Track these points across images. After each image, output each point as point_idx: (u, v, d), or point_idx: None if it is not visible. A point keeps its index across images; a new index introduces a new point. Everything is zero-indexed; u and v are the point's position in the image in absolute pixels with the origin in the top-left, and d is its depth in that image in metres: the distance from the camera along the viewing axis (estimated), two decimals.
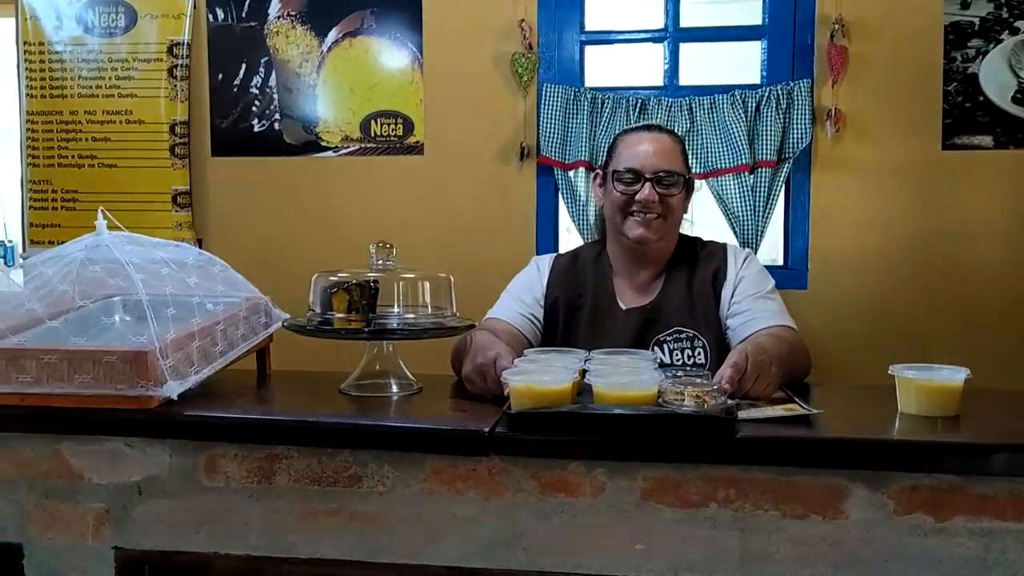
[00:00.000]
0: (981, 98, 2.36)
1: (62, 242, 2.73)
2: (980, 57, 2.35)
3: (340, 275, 1.44)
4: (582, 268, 1.74)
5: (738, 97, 2.41)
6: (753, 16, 2.50)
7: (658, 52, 2.54)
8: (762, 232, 2.45)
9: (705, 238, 1.79)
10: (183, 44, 2.68)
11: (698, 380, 1.27)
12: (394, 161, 2.64)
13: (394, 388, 1.44)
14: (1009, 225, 2.37)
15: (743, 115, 2.41)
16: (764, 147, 2.41)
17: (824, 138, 2.42)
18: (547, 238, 2.58)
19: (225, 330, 1.46)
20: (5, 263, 4.56)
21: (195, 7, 2.68)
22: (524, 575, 1.21)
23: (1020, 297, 2.36)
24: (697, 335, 1.63)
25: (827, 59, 2.38)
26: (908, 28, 2.37)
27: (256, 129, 2.70)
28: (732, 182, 2.44)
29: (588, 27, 2.56)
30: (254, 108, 2.69)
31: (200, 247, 2.37)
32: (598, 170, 1.78)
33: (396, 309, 1.44)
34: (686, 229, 1.79)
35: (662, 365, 1.41)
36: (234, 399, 1.43)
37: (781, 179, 2.43)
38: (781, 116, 2.40)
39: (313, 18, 2.65)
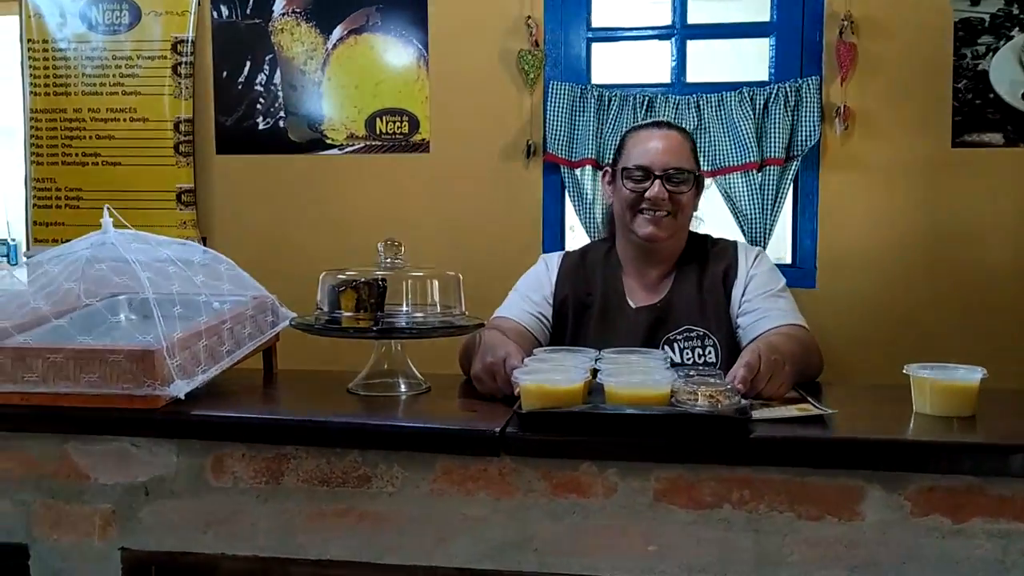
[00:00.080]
0: (991, 95, 2.34)
1: (66, 240, 2.73)
2: (990, 54, 2.34)
3: (348, 273, 1.43)
4: (591, 266, 1.73)
5: (746, 94, 2.40)
6: (761, 13, 2.49)
7: (665, 49, 2.52)
8: (770, 230, 2.43)
9: (714, 236, 1.77)
10: (187, 41, 2.67)
11: (711, 380, 1.25)
12: (399, 159, 2.62)
13: (403, 387, 1.43)
14: (1020, 223, 2.35)
15: (751, 113, 2.40)
16: (772, 145, 2.39)
17: (833, 136, 2.40)
18: (553, 236, 2.57)
19: (232, 329, 1.45)
20: (9, 261, 4.55)
21: (199, 4, 2.67)
22: None
23: None
24: (708, 334, 1.61)
25: (836, 56, 2.37)
26: (918, 25, 2.36)
27: (261, 127, 2.69)
28: (740, 180, 2.42)
29: (595, 24, 2.55)
30: (259, 106, 2.68)
31: (204, 245, 2.36)
32: (607, 167, 1.76)
33: (405, 308, 1.43)
34: (698, 226, 1.77)
35: (673, 365, 1.39)
36: (241, 398, 1.41)
37: (789, 177, 2.42)
38: (789, 113, 2.39)
39: (318, 15, 2.63)
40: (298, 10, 2.64)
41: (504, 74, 2.53)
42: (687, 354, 1.60)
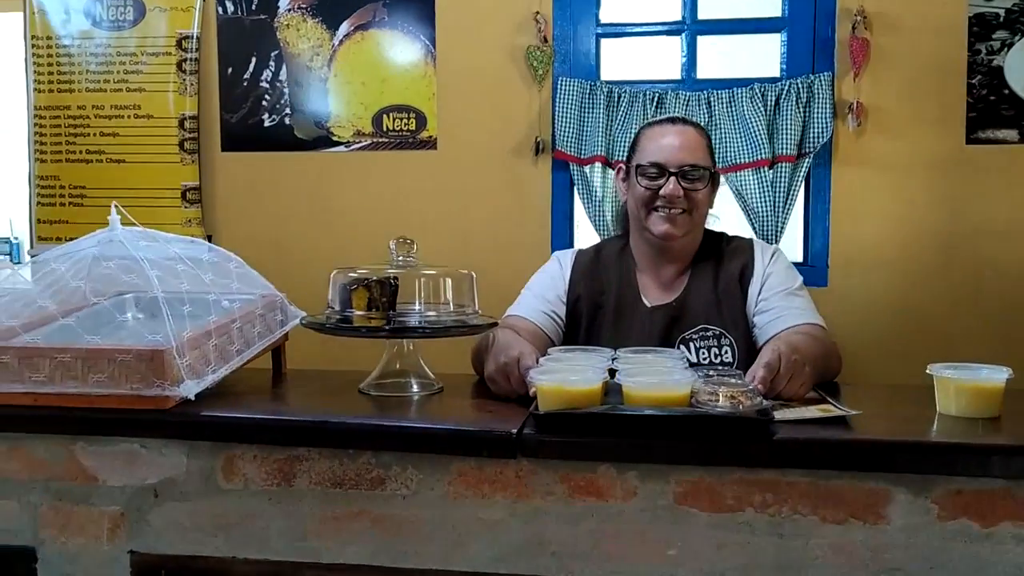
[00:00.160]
0: (1006, 91, 2.31)
1: (70, 239, 2.71)
2: (1005, 49, 2.31)
3: (359, 272, 1.41)
4: (605, 264, 1.70)
5: (757, 91, 2.37)
6: (773, 8, 2.46)
7: (675, 45, 2.50)
8: (782, 228, 2.41)
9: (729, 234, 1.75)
10: (192, 37, 2.65)
11: (732, 380, 1.23)
12: (407, 156, 2.60)
13: (415, 387, 1.41)
14: None
15: (762, 109, 2.37)
16: (784, 141, 2.37)
17: (845, 132, 2.38)
18: (562, 234, 2.55)
19: (241, 328, 1.43)
20: (11, 260, 4.53)
21: (204, 0, 2.64)
22: None
23: None
24: (724, 333, 1.59)
25: (849, 52, 2.34)
26: (931, 20, 2.33)
27: (266, 124, 2.66)
28: (751, 177, 2.39)
29: (604, 19, 2.52)
30: (264, 102, 2.66)
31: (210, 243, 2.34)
32: (621, 164, 1.73)
33: (417, 306, 1.41)
34: (713, 224, 1.74)
35: (689, 364, 1.37)
36: (252, 399, 1.39)
37: (801, 174, 2.39)
38: (801, 110, 2.36)
39: (324, 11, 2.61)
40: (304, 6, 2.62)
41: (512, 70, 2.51)
42: (703, 353, 1.57)
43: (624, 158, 2.39)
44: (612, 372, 1.26)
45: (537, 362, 1.30)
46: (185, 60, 2.65)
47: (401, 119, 2.60)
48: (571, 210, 2.56)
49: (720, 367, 1.49)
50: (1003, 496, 1.09)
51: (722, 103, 2.40)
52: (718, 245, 1.69)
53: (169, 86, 2.66)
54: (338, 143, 2.63)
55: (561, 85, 2.45)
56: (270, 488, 1.24)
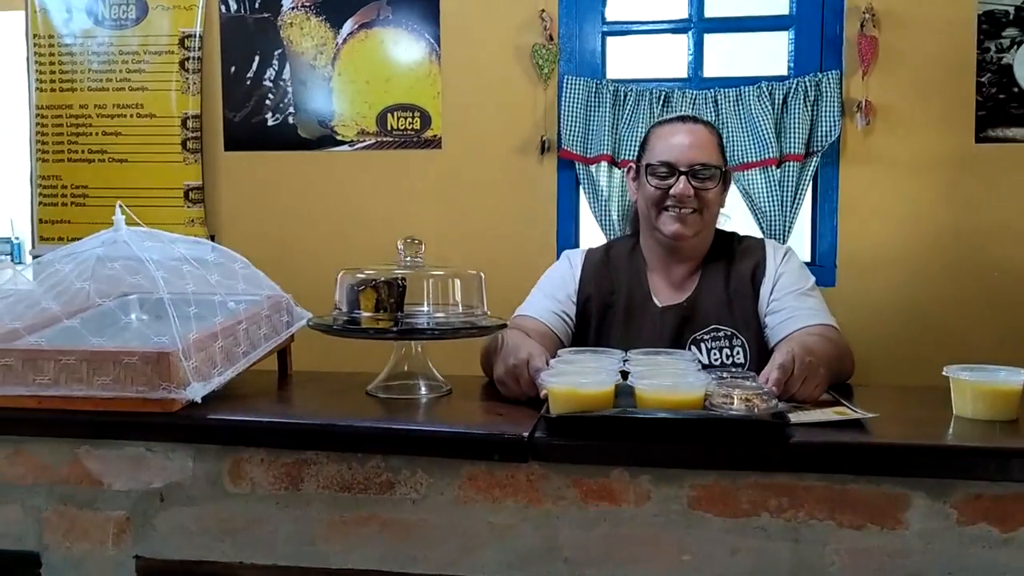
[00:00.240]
0: (1016, 89, 2.29)
1: (72, 239, 2.69)
2: (1015, 47, 2.29)
3: (367, 272, 1.39)
4: (615, 264, 1.69)
5: (765, 89, 2.35)
6: (780, 5, 2.44)
7: (682, 43, 2.48)
8: (789, 228, 2.39)
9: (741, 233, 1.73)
10: (195, 36, 2.63)
11: (746, 382, 1.21)
12: (411, 155, 2.58)
13: (423, 390, 1.39)
14: None
15: (770, 108, 2.35)
16: (792, 140, 2.35)
17: (853, 131, 2.36)
18: (568, 233, 2.53)
19: (247, 329, 1.41)
20: (12, 260, 4.51)
21: None
22: None
23: None
24: (735, 333, 1.57)
25: (857, 50, 2.32)
26: (940, 17, 2.31)
27: (270, 123, 2.64)
28: (759, 176, 2.38)
29: (610, 17, 2.50)
30: (268, 101, 2.64)
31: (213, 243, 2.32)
32: (632, 163, 1.72)
33: (425, 308, 1.39)
34: (724, 223, 1.72)
35: (702, 366, 1.35)
36: (258, 401, 1.38)
37: (809, 173, 2.37)
38: (809, 108, 2.34)
39: (328, 9, 2.59)
40: (307, 4, 2.60)
41: (518, 69, 2.49)
42: (714, 354, 1.56)
43: (632, 157, 2.39)
44: (624, 374, 1.25)
45: (547, 363, 1.28)
46: (188, 59, 2.63)
47: (405, 118, 2.58)
48: (577, 209, 2.55)
49: (732, 368, 1.47)
50: (1023, 500, 1.08)
51: (729, 102, 2.38)
52: (729, 245, 1.67)
53: (172, 85, 2.64)
54: (342, 142, 2.61)
55: (567, 84, 2.43)
56: (278, 492, 1.22)
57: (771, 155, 2.35)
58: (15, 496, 1.28)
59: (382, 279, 1.36)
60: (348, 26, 2.58)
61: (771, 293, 1.59)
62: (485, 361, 1.52)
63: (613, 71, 2.52)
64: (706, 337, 1.57)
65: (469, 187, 2.54)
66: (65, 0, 2.68)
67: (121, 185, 2.67)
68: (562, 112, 2.43)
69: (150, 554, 1.25)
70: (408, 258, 1.43)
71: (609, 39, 2.52)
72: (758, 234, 2.35)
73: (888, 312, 2.37)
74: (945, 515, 1.09)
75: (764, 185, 2.37)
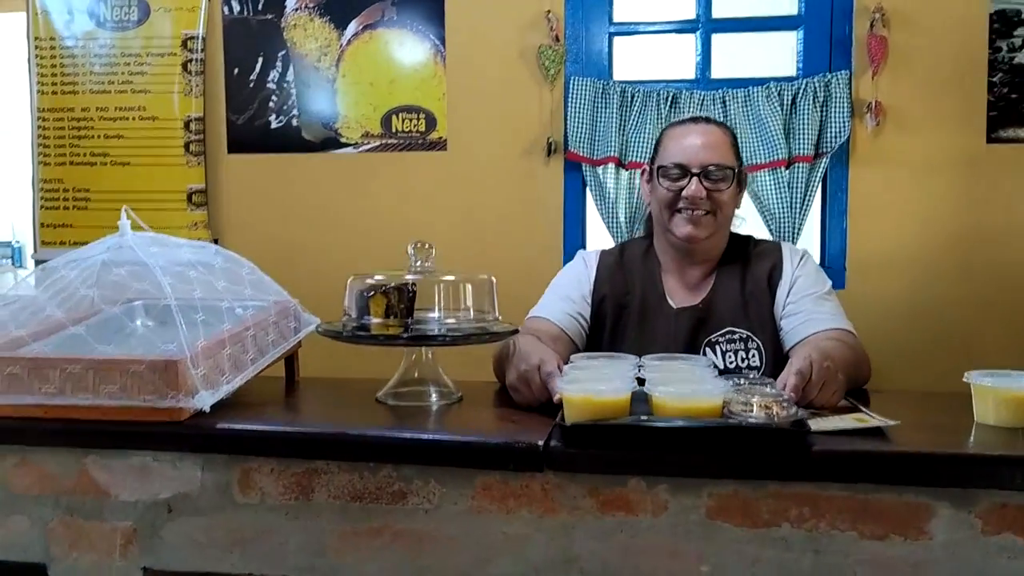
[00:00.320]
0: None
1: (74, 242, 2.67)
2: None
3: (376, 278, 1.37)
4: (629, 265, 1.66)
5: (773, 90, 2.33)
6: (789, 5, 2.42)
7: (690, 43, 2.46)
8: (798, 229, 2.37)
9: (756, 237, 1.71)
10: (198, 38, 2.61)
11: (765, 388, 1.18)
12: (416, 157, 2.56)
13: (434, 397, 1.37)
14: None
15: (779, 108, 2.33)
16: (801, 141, 2.33)
17: (863, 132, 2.34)
18: (575, 235, 2.51)
19: (255, 336, 1.39)
20: (13, 264, 4.49)
21: (210, 0, 2.60)
22: None
23: None
24: (751, 336, 1.55)
25: (867, 50, 2.30)
26: (951, 17, 2.29)
27: (273, 125, 2.62)
28: (767, 178, 2.36)
29: (617, 18, 2.48)
30: (271, 103, 2.62)
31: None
32: (645, 166, 1.69)
33: (435, 313, 1.37)
34: (739, 226, 1.70)
35: (719, 370, 1.33)
36: (267, 409, 1.35)
37: (818, 175, 2.35)
38: (818, 109, 2.32)
39: (332, 10, 2.57)
40: (311, 5, 2.58)
41: (524, 70, 2.47)
42: (729, 357, 1.53)
43: (639, 158, 2.37)
44: (640, 381, 1.22)
45: (559, 368, 1.26)
46: (190, 61, 2.61)
47: (410, 120, 2.56)
48: (583, 211, 2.53)
49: (747, 371, 1.45)
50: None
51: (737, 103, 2.36)
52: (745, 248, 1.65)
53: (174, 87, 2.62)
54: (346, 145, 2.59)
55: (573, 85, 2.41)
56: (287, 502, 1.20)
57: (780, 156, 2.33)
58: (21, 507, 1.25)
59: (392, 285, 1.34)
60: (352, 27, 2.56)
61: (787, 296, 1.57)
62: (497, 367, 1.50)
63: (620, 72, 2.50)
64: (721, 339, 1.55)
65: (474, 189, 2.52)
66: (67, 2, 2.66)
67: (123, 188, 2.65)
68: (569, 113, 2.41)
69: (158, 565, 1.23)
70: (419, 262, 1.41)
71: (616, 39, 2.50)
72: (766, 235, 2.32)
73: (899, 315, 2.35)
74: (970, 525, 1.07)
75: (773, 187, 2.35)
